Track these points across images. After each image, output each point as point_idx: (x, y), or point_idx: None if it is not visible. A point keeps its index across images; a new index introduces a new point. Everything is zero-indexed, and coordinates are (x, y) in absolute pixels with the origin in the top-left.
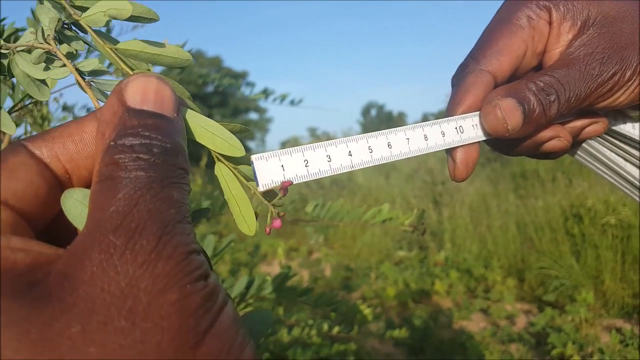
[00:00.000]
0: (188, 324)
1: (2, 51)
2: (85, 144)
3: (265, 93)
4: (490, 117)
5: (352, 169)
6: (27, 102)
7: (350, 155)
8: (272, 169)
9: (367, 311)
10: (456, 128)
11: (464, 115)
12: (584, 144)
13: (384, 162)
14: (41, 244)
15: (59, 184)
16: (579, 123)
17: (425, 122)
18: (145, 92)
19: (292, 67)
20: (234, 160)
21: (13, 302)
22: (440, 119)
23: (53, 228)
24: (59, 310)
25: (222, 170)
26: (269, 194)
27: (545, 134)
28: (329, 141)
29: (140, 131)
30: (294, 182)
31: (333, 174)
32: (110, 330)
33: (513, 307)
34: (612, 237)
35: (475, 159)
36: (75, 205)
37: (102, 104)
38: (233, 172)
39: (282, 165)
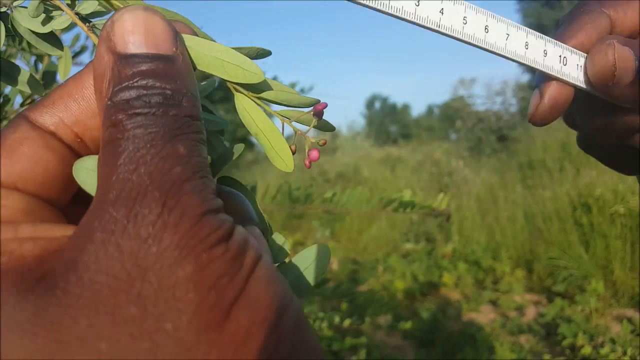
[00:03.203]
0: (209, 300)
1: (2, 10)
2: (87, 101)
3: None
4: (599, 56)
5: (437, 29)
6: (36, 97)
7: (442, 13)
8: None
9: (399, 285)
10: (560, 56)
11: (572, 48)
12: None
13: (473, 43)
14: (55, 227)
15: (71, 151)
16: None
17: (531, 30)
18: (134, 31)
19: (294, 60)
20: (253, 88)
21: (17, 303)
22: (548, 37)
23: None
24: (64, 306)
25: (242, 102)
26: (304, 121)
27: None
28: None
29: (136, 81)
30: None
31: (411, 19)
32: (119, 321)
33: (522, 298)
34: (621, 227)
35: (566, 102)
36: (90, 175)
37: None
38: (256, 102)
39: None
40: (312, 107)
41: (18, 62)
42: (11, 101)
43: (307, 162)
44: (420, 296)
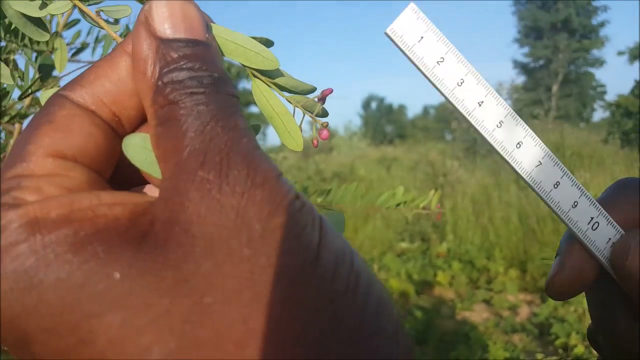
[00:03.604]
0: (303, 243)
1: None
2: (124, 82)
3: None
4: (634, 256)
5: (468, 117)
6: (36, 93)
7: (480, 105)
8: (413, 29)
9: (394, 284)
10: (592, 217)
11: (610, 217)
12: None
13: (501, 154)
14: (130, 195)
15: (111, 129)
16: None
17: (568, 172)
18: (173, 18)
19: (290, 59)
20: (268, 75)
21: (134, 254)
22: (585, 190)
23: (114, 175)
24: (182, 254)
25: (259, 87)
26: (309, 106)
27: None
28: (479, 75)
29: (184, 64)
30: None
31: (448, 97)
32: (238, 262)
33: (516, 297)
34: None
35: (590, 279)
36: (139, 151)
37: (119, 33)
38: (271, 87)
39: (423, 38)
40: (319, 92)
41: (18, 57)
42: (9, 95)
43: (315, 142)
44: (414, 295)
